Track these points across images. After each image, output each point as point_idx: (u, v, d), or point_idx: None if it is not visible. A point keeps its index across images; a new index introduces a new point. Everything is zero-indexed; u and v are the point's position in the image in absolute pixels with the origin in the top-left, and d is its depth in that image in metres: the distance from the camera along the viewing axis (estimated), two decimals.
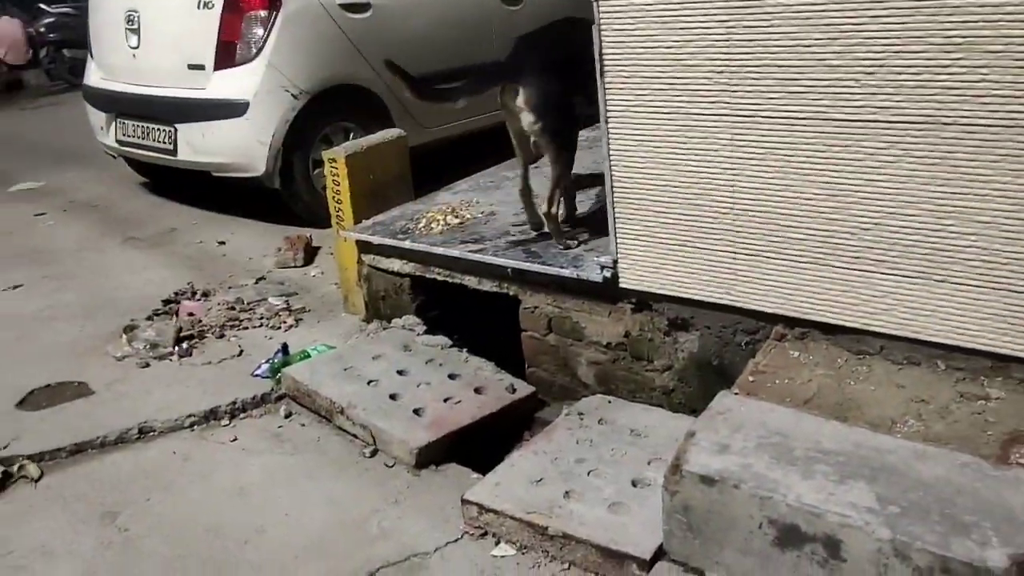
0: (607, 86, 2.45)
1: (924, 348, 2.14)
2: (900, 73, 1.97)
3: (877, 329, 2.19)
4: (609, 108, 2.47)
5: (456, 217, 3.41)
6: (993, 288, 1.98)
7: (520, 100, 2.88)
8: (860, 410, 2.05)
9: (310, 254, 4.31)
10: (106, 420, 2.95)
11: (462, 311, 3.34)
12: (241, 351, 3.41)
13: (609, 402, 2.74)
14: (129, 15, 4.77)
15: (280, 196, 4.70)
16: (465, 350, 3.16)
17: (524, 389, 2.96)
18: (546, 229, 3.05)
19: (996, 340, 2.02)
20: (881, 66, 1.98)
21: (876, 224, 2.11)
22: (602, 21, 2.39)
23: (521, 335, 3.05)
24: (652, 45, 2.33)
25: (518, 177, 3.15)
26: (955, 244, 2.01)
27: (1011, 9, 1.79)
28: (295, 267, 4.24)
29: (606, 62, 2.43)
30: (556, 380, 3.00)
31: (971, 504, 1.71)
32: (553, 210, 3.01)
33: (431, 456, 2.65)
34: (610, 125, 2.49)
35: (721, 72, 2.23)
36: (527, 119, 2.89)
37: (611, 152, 2.52)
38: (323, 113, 4.62)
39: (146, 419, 2.94)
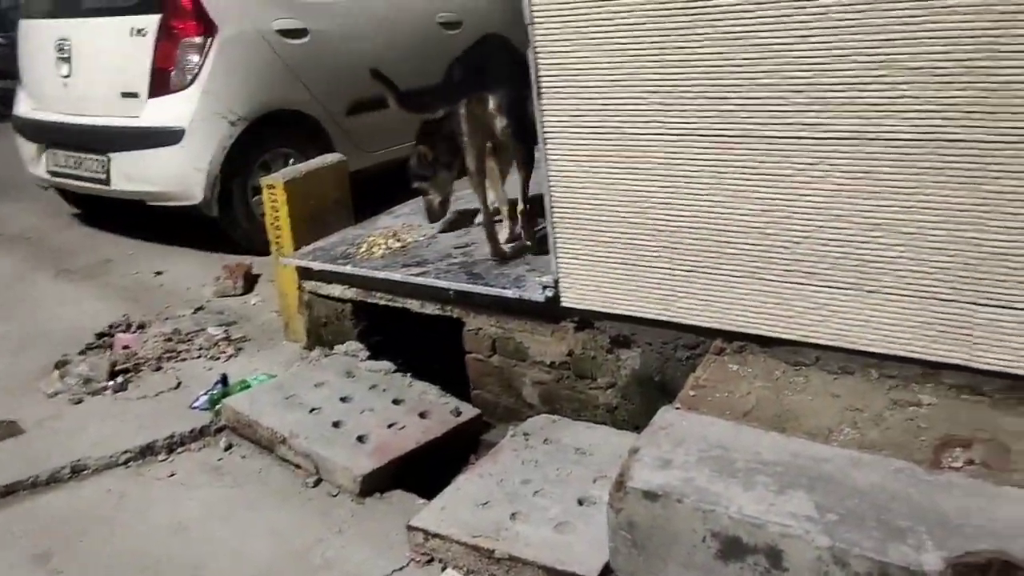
0: (543, 107, 2.47)
1: (858, 357, 2.18)
2: (827, 90, 2.02)
3: (812, 340, 2.23)
4: (546, 129, 2.49)
5: (398, 241, 3.40)
6: (921, 297, 2.04)
7: (492, 106, 2.94)
8: (798, 420, 2.08)
9: (250, 282, 4.24)
10: (38, 459, 2.85)
11: (406, 335, 3.32)
12: (179, 383, 3.33)
13: (554, 421, 2.74)
14: (60, 44, 4.67)
15: (219, 224, 4.63)
16: (409, 375, 3.13)
17: (469, 412, 2.94)
18: (508, 258, 3.08)
19: (926, 347, 2.07)
20: (809, 84, 2.03)
21: (808, 237, 2.15)
22: (537, 44, 2.42)
23: (465, 357, 3.03)
24: (586, 67, 2.35)
25: (479, 213, 3.17)
26: (884, 255, 2.06)
27: (929, 28, 1.86)
28: (235, 296, 4.16)
29: (542, 84, 2.45)
30: (501, 401, 2.99)
31: (906, 509, 1.74)
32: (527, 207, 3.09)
33: (376, 483, 2.61)
34: (548, 146, 2.51)
35: (655, 92, 2.26)
36: (500, 123, 2.95)
37: (549, 172, 2.54)
38: (262, 139, 4.57)
39: (80, 457, 2.85)
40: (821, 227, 2.12)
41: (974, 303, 1.97)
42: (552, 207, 2.56)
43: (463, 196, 3.58)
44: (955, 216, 1.94)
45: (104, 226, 5.38)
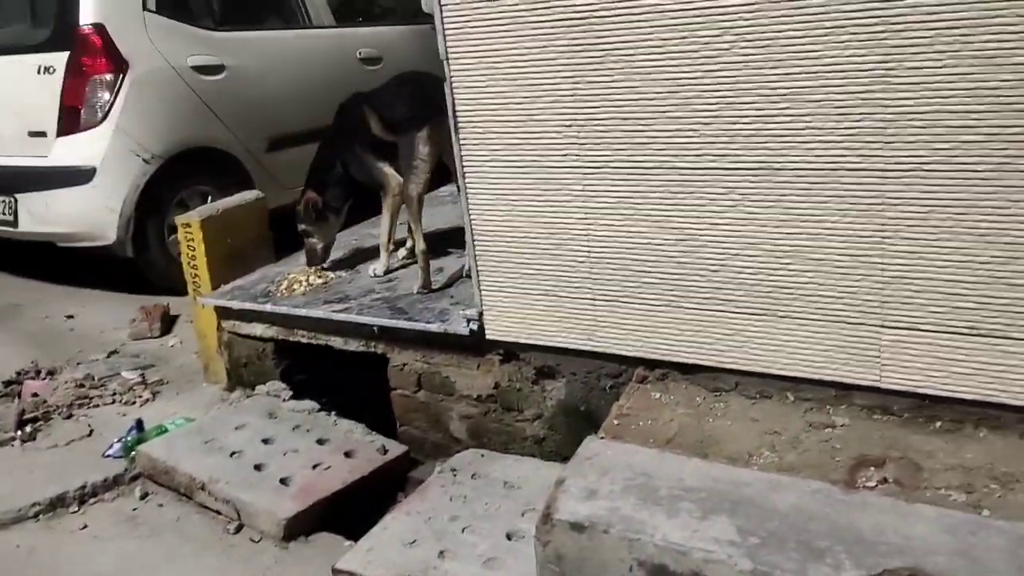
0: (462, 142, 2.49)
1: (775, 382, 2.24)
2: (735, 122, 2.08)
3: (731, 366, 2.28)
4: (465, 163, 2.50)
5: (319, 277, 3.35)
6: (831, 321, 2.10)
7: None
8: (719, 446, 2.11)
9: (167, 324, 4.12)
10: None
11: (330, 373, 3.27)
12: (91, 431, 3.20)
13: (482, 456, 2.72)
14: None
15: (134, 265, 4.49)
16: (334, 413, 3.08)
17: (396, 449, 2.90)
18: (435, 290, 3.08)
19: (838, 370, 2.14)
20: (717, 116, 2.10)
21: (723, 265, 2.20)
22: (453, 80, 2.43)
23: (391, 394, 3.00)
24: (503, 102, 2.38)
25: (416, 239, 3.17)
26: (794, 281, 2.12)
27: (828, 62, 1.94)
28: (151, 338, 4.03)
29: (459, 119, 2.47)
30: (429, 437, 2.96)
31: (824, 529, 1.78)
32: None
33: (300, 527, 2.55)
34: (467, 180, 2.52)
35: (570, 126, 2.30)
36: None
37: (470, 206, 2.55)
38: (178, 177, 4.46)
39: None
40: (735, 255, 2.18)
41: (880, 325, 2.05)
42: (474, 240, 2.57)
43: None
44: (858, 242, 2.01)
45: (10, 269, 5.16)
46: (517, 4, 2.25)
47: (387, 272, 3.32)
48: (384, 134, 3.11)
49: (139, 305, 4.20)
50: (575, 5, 2.17)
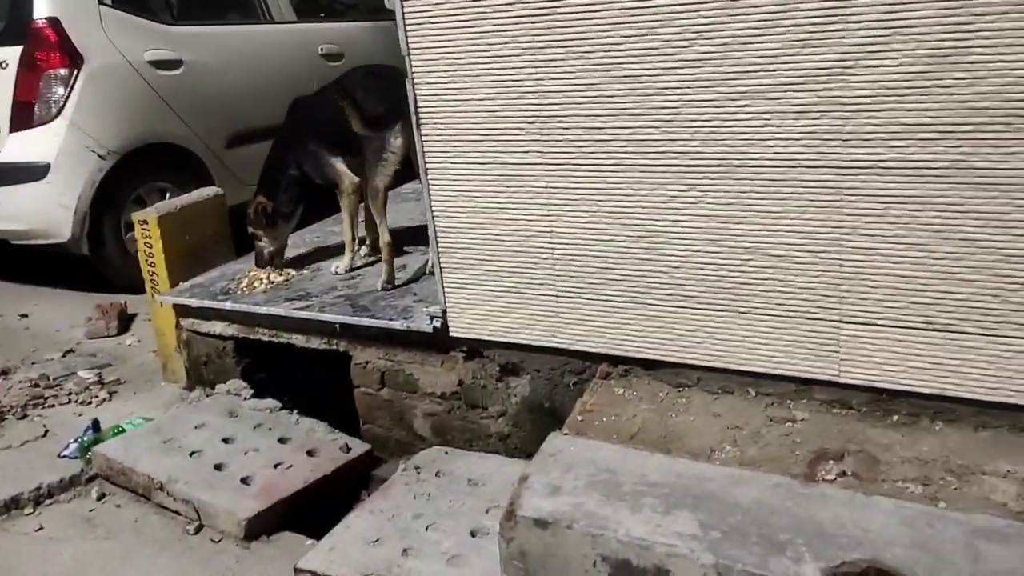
0: (424, 138, 2.47)
1: (736, 377, 2.25)
2: (694, 119, 2.09)
3: (693, 362, 2.29)
4: (428, 160, 2.49)
5: (280, 275, 3.32)
6: (790, 317, 2.13)
7: None
8: (682, 441, 2.12)
9: (125, 322, 4.05)
10: None
11: (291, 371, 3.23)
12: (46, 431, 3.14)
13: (446, 453, 2.71)
14: None
15: (90, 262, 4.40)
16: (296, 412, 3.05)
17: (359, 447, 2.88)
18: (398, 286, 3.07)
19: (798, 365, 2.16)
20: (677, 113, 2.11)
21: (685, 262, 2.22)
22: (415, 75, 2.42)
23: (354, 392, 2.97)
24: (465, 98, 2.37)
25: (380, 232, 3.14)
26: (755, 277, 2.14)
27: (787, 60, 1.95)
28: (108, 337, 3.96)
29: (421, 115, 2.45)
30: (392, 435, 2.94)
31: (785, 523, 1.80)
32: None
33: (261, 526, 2.52)
34: (429, 177, 2.50)
35: (532, 122, 2.30)
36: None
37: (432, 203, 2.53)
38: (135, 173, 4.38)
39: None
40: (697, 251, 2.19)
41: (839, 320, 2.07)
42: (437, 237, 2.56)
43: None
44: (817, 239, 2.03)
45: None
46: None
47: (350, 270, 3.30)
48: (363, 130, 3.06)
49: (95, 303, 4.13)
50: (536, 1, 2.17)
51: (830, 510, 1.82)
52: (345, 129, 3.10)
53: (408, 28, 2.37)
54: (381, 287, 3.04)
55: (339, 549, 2.28)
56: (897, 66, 1.84)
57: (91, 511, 2.70)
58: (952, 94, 1.81)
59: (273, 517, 2.54)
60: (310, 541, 2.44)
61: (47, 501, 2.75)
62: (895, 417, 2.08)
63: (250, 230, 3.45)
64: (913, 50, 1.82)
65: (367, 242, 3.47)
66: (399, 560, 2.22)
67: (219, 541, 2.51)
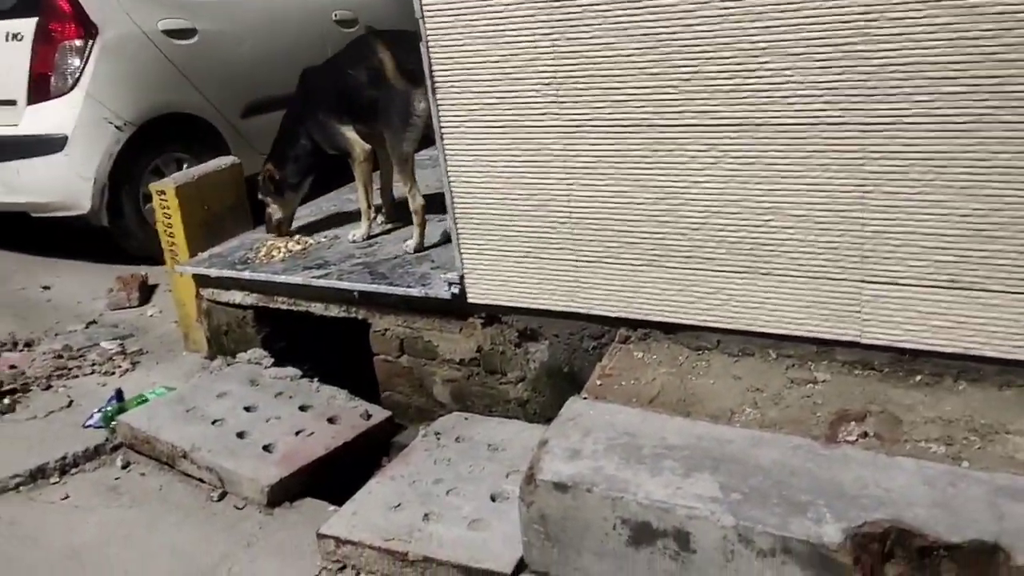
0: (439, 103, 2.44)
1: (757, 339, 2.23)
2: (714, 78, 2.05)
3: (713, 324, 2.27)
4: (443, 125, 2.46)
5: (298, 243, 3.32)
6: (812, 277, 2.10)
7: None
8: (702, 404, 2.11)
9: (146, 293, 4.07)
10: None
11: (311, 339, 3.25)
12: (71, 402, 3.17)
13: (466, 419, 2.72)
14: None
15: (110, 234, 4.42)
16: (316, 380, 3.06)
17: (380, 414, 2.90)
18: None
19: (820, 326, 2.13)
20: (696, 72, 2.07)
21: (704, 224, 2.19)
22: (429, 39, 2.39)
23: (373, 359, 2.98)
24: (480, 60, 2.34)
25: (411, 197, 3.11)
26: (776, 238, 2.11)
27: (809, 14, 1.91)
28: (130, 308, 3.99)
29: (436, 80, 2.42)
30: (412, 402, 2.95)
31: (806, 484, 1.79)
32: None
33: (284, 493, 2.55)
34: (445, 142, 2.48)
35: (549, 84, 2.26)
36: None
37: (448, 169, 2.51)
38: (152, 144, 4.38)
39: None
40: (716, 213, 2.16)
41: (861, 280, 2.04)
42: (454, 203, 2.54)
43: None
44: (840, 197, 2.00)
45: None
46: None
47: (367, 238, 3.29)
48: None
49: (116, 275, 4.15)
50: None
51: (851, 471, 1.81)
52: (357, 96, 3.08)
53: None
54: (414, 249, 3.04)
55: (361, 515, 2.30)
56: (922, 18, 1.79)
57: (116, 480, 2.73)
58: (979, 46, 1.77)
59: (295, 484, 2.57)
60: (332, 507, 2.46)
61: (73, 470, 2.79)
62: (918, 377, 2.05)
63: (260, 197, 3.46)
64: (939, 0, 1.77)
65: (383, 210, 3.46)
66: (420, 525, 2.23)
67: (243, 508, 2.53)
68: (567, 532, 1.93)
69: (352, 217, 3.50)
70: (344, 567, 2.23)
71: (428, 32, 2.38)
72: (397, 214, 3.42)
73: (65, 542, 2.46)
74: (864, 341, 2.09)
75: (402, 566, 2.16)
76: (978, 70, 1.78)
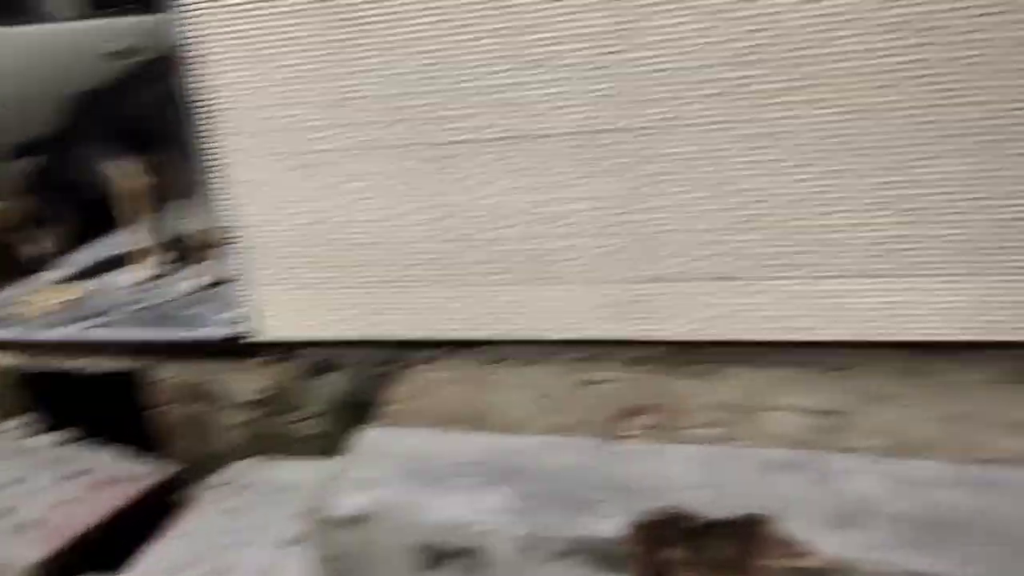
0: (215, 133, 2.30)
1: (546, 347, 2.25)
2: (489, 92, 2.06)
3: (504, 337, 2.27)
4: (221, 156, 2.32)
5: (72, 293, 3.05)
6: (591, 281, 2.15)
7: None
8: (494, 416, 2.09)
9: None
10: None
11: (91, 395, 2.97)
12: None
13: (257, 464, 2.57)
14: None
15: None
16: (98, 440, 2.81)
17: (166, 471, 2.69)
18: None
19: (600, 327, 2.18)
20: (468, 88, 2.06)
21: (487, 238, 2.19)
22: (203, 67, 2.25)
23: (157, 411, 2.77)
24: (261, 86, 2.22)
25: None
26: (552, 246, 2.14)
27: (579, 25, 1.95)
28: None
29: (213, 108, 2.28)
30: (202, 452, 2.76)
31: (593, 483, 1.80)
32: None
33: (58, 572, 2.29)
34: (226, 173, 2.34)
35: (331, 107, 2.19)
36: None
37: (229, 201, 2.37)
38: None
39: None
40: (498, 226, 2.17)
41: (636, 280, 2.10)
42: (237, 237, 2.40)
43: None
44: (609, 202, 2.05)
45: None
46: None
47: (146, 280, 3.06)
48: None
49: None
50: None
51: (636, 464, 1.84)
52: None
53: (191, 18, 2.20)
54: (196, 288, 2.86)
55: None
56: (678, 25, 1.88)
57: None
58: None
59: (67, 560, 2.32)
60: None
61: None
62: (696, 367, 2.13)
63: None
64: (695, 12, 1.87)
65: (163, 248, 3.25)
66: None
67: None
68: (364, 565, 1.84)
69: (130, 259, 3.26)
70: None
71: (202, 58, 2.24)
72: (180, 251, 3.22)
73: None
74: (641, 338, 2.15)
75: None
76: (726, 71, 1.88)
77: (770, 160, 1.92)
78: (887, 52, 1.80)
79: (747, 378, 2.06)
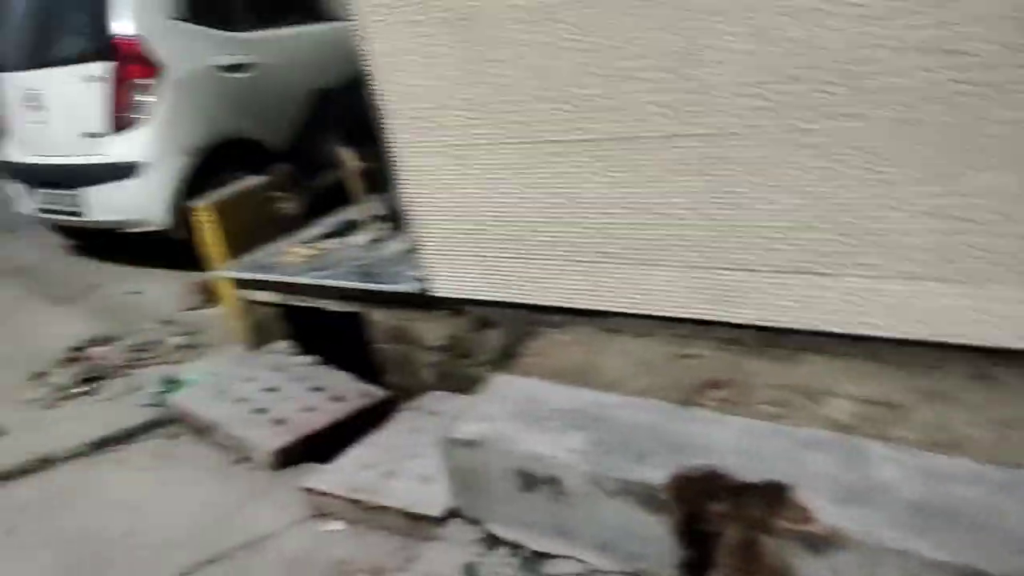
0: (390, 129, 2.89)
1: (653, 321, 2.59)
2: (590, 100, 2.42)
3: (619, 309, 2.65)
4: (394, 149, 2.89)
5: (313, 249, 3.85)
6: (687, 267, 2.45)
7: None
8: (598, 375, 2.50)
9: (213, 296, 4.72)
10: (13, 454, 3.37)
11: (330, 330, 3.78)
12: (139, 386, 3.83)
13: (441, 396, 3.18)
14: (30, 93, 5.22)
15: (190, 245, 5.11)
16: (333, 366, 3.59)
17: (379, 394, 3.40)
18: None
19: (698, 308, 2.48)
20: (574, 96, 2.45)
21: (602, 224, 2.56)
22: (379, 75, 2.84)
23: (373, 347, 3.48)
24: (420, 91, 2.78)
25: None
26: (655, 234, 2.47)
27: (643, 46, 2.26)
28: (198, 309, 4.66)
29: (386, 109, 2.87)
30: (405, 383, 3.43)
31: (656, 438, 2.16)
32: None
33: (289, 458, 3.09)
34: (397, 163, 2.92)
35: (470, 110, 2.68)
36: None
37: (402, 184, 2.96)
38: (217, 165, 5.04)
39: (49, 451, 3.36)
40: (609, 215, 2.54)
41: (723, 268, 2.38)
42: (410, 213, 2.99)
43: None
44: (694, 198, 2.35)
45: (93, 254, 5.91)
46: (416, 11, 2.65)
47: (367, 243, 3.78)
48: None
49: (191, 281, 4.83)
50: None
51: (696, 428, 2.17)
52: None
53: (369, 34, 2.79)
54: (403, 252, 3.51)
55: (339, 473, 2.81)
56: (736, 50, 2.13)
57: (163, 448, 3.36)
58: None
59: (298, 450, 3.10)
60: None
61: (131, 440, 3.43)
62: (776, 351, 2.37)
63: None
64: (752, 34, 2.10)
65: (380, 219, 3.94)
66: (382, 481, 2.72)
67: (255, 469, 3.09)
68: (476, 478, 2.37)
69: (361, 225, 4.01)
70: (323, 514, 2.75)
71: (376, 70, 2.83)
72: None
73: (121, 495, 3.08)
74: (734, 320, 2.43)
75: (363, 513, 2.65)
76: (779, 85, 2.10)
77: (834, 167, 2.10)
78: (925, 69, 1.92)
79: (817, 364, 2.28)
